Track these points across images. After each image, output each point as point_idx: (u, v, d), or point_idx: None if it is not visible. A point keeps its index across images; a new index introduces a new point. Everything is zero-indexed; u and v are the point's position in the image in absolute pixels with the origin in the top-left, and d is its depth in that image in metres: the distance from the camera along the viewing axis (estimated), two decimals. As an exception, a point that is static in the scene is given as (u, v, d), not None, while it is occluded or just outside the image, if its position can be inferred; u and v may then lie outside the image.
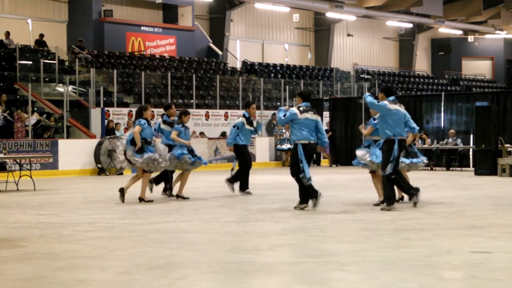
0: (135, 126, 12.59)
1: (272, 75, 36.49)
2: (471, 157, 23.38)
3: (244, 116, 14.22)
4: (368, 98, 11.28)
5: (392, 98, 11.25)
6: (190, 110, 15.05)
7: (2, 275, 6.36)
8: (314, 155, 11.77)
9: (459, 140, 23.53)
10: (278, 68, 38.22)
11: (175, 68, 32.11)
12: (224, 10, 37.60)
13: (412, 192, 11.43)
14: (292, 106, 12.10)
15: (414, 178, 19.31)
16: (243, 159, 14.13)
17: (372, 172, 11.89)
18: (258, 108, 28.81)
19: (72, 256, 7.25)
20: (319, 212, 10.97)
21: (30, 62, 27.01)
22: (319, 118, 11.43)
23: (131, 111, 25.21)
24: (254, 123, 14.36)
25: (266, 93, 31.68)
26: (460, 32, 50.06)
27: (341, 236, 8.56)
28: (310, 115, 11.18)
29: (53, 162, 20.76)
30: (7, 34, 28.58)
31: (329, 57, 43.20)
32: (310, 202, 11.16)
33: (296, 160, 11.11)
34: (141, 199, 12.64)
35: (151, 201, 12.69)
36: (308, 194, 11.15)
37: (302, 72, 38.67)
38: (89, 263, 6.92)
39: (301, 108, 11.20)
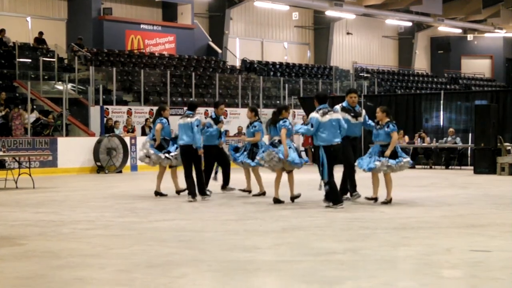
0: (157, 124, 13.43)
1: (272, 73, 36.49)
2: (470, 155, 23.37)
3: (211, 117, 14.05)
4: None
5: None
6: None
7: (1, 273, 6.35)
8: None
9: (458, 139, 23.52)
10: (278, 66, 38.22)
11: (174, 66, 32.10)
12: (224, 8, 37.60)
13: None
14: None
15: (414, 177, 19.36)
16: (220, 159, 14.16)
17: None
18: (257, 106, 28.85)
19: (72, 254, 7.25)
20: (319, 210, 10.97)
21: (30, 60, 26.99)
22: (340, 116, 11.51)
23: (130, 109, 25.23)
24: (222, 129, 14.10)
25: (265, 91, 31.69)
26: (460, 30, 50.07)
27: (341, 235, 8.57)
28: (330, 116, 11.27)
29: (52, 160, 20.75)
30: (1, 31, 28.50)
31: (329, 55, 43.20)
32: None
33: (319, 163, 11.24)
34: (178, 192, 13.54)
35: (165, 195, 13.42)
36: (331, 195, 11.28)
37: (302, 71, 38.67)
38: (89, 261, 6.92)
39: (320, 112, 11.29)
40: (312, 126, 11.18)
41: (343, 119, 11.84)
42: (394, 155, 11.83)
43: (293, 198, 12.09)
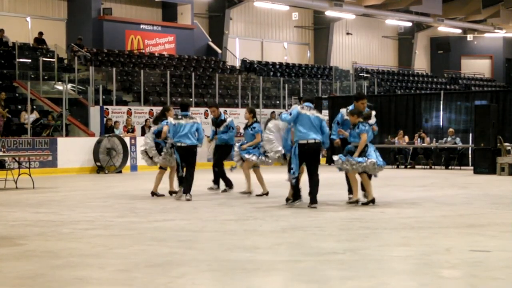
0: (163, 126, 13.27)
1: (271, 73, 36.48)
2: (470, 155, 23.37)
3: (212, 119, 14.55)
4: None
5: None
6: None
7: (1, 273, 6.35)
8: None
9: (458, 139, 23.53)
10: (277, 66, 38.22)
11: (174, 66, 32.10)
12: (224, 9, 37.61)
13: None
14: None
15: (414, 177, 19.36)
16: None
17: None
18: (257, 106, 28.86)
19: (71, 254, 7.25)
20: (318, 210, 10.98)
21: (29, 60, 27.00)
22: (323, 118, 11.53)
23: (130, 109, 25.23)
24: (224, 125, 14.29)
25: (265, 91, 31.68)
26: (460, 31, 50.07)
27: (340, 235, 8.56)
28: (309, 112, 11.28)
29: (52, 160, 20.76)
30: (1, 31, 28.53)
31: (328, 55, 43.20)
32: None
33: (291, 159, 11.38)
34: (153, 193, 13.43)
35: (162, 195, 13.39)
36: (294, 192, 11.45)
37: (301, 71, 38.67)
38: (88, 261, 6.92)
39: (302, 106, 11.40)
40: (290, 114, 11.28)
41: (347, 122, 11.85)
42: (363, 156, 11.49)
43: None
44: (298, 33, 42.96)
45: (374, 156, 11.53)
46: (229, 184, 14.20)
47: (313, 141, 11.21)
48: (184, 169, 12.88)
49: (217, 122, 14.21)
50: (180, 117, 12.88)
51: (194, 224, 9.59)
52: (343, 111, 12.11)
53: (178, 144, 12.72)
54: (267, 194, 13.41)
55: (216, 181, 14.37)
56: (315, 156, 11.39)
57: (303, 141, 11.19)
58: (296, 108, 11.37)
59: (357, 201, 11.64)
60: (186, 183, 12.75)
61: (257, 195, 13.38)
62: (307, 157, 11.31)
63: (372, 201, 11.60)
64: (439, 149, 23.92)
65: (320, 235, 8.56)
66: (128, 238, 8.42)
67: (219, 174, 14.22)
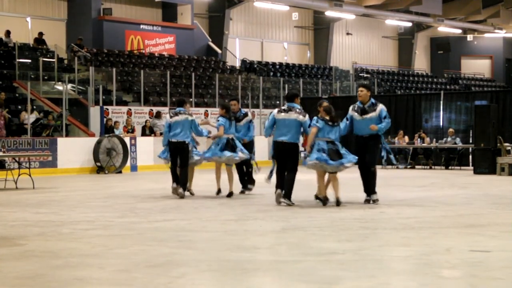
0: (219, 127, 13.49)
1: (271, 73, 36.48)
2: (470, 156, 23.36)
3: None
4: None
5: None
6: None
7: (1, 273, 6.35)
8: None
9: (458, 139, 23.52)
10: (277, 66, 38.21)
11: (174, 66, 32.10)
12: (224, 9, 37.61)
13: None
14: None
15: (414, 177, 19.37)
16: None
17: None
18: (257, 106, 28.88)
19: (71, 254, 7.25)
20: (318, 210, 10.98)
21: (29, 60, 26.99)
22: (301, 119, 11.58)
23: (130, 109, 25.23)
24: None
25: (265, 91, 31.68)
26: (460, 31, 50.07)
27: (340, 235, 8.56)
28: (286, 115, 11.62)
29: (52, 160, 20.75)
30: (7, 33, 28.56)
31: (328, 55, 43.20)
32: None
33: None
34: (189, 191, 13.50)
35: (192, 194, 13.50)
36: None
37: (301, 71, 38.67)
38: (88, 261, 6.92)
39: (281, 109, 11.84)
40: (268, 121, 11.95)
41: (351, 116, 11.82)
42: (337, 155, 11.43)
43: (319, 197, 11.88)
44: (298, 33, 42.96)
45: (349, 155, 11.55)
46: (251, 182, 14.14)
47: (281, 141, 11.60)
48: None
49: (237, 117, 14.05)
50: (177, 112, 13.12)
51: (194, 224, 9.59)
52: (351, 107, 12.11)
53: (172, 140, 13.01)
54: (231, 194, 13.34)
55: (250, 181, 14.18)
56: (287, 155, 11.65)
57: (275, 139, 11.70)
58: (272, 114, 11.86)
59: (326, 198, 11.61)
60: (182, 179, 13.09)
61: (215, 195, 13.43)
62: (281, 155, 11.72)
63: (325, 200, 11.51)
64: (439, 149, 23.91)
65: (320, 235, 8.56)
66: (128, 238, 8.42)
67: (245, 172, 14.07)
